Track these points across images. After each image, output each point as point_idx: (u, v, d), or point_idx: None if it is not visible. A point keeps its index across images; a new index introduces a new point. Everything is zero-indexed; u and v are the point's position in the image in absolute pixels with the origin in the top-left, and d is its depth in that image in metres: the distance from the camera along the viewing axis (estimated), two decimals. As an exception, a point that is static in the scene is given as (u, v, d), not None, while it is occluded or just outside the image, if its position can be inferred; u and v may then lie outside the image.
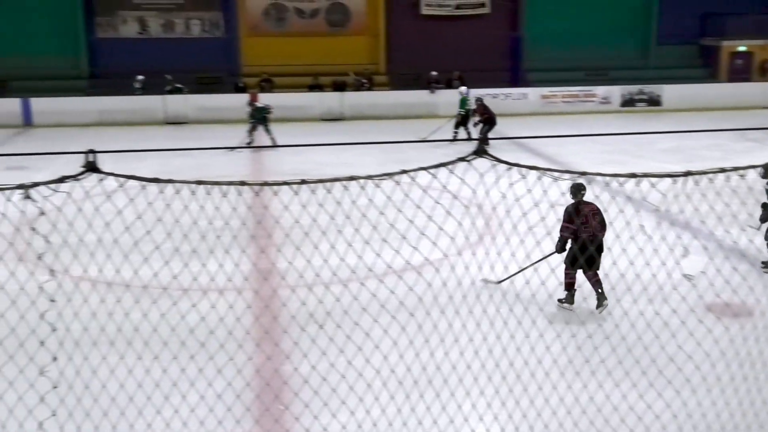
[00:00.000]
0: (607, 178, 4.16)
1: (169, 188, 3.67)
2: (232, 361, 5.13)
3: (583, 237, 6.75)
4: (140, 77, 24.06)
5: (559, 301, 7.02)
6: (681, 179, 4.16)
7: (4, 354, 4.83)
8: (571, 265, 7.03)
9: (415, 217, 4.65)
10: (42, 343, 4.40)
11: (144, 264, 4.69)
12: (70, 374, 4.85)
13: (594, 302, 6.49)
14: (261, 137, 18.86)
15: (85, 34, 26.05)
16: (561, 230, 6.99)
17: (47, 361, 4.57)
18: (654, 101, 25.84)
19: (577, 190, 7.16)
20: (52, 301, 4.65)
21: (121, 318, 4.85)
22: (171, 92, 24.24)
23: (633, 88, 26.25)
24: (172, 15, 26.93)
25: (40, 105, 23.38)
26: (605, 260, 5.15)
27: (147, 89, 24.14)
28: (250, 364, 5.58)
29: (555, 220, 4.85)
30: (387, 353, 5.28)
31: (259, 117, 19.48)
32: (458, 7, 28.23)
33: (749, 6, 28.72)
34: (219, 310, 5.10)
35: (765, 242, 7.39)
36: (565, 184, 4.15)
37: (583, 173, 4.36)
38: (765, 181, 6.79)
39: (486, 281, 5.90)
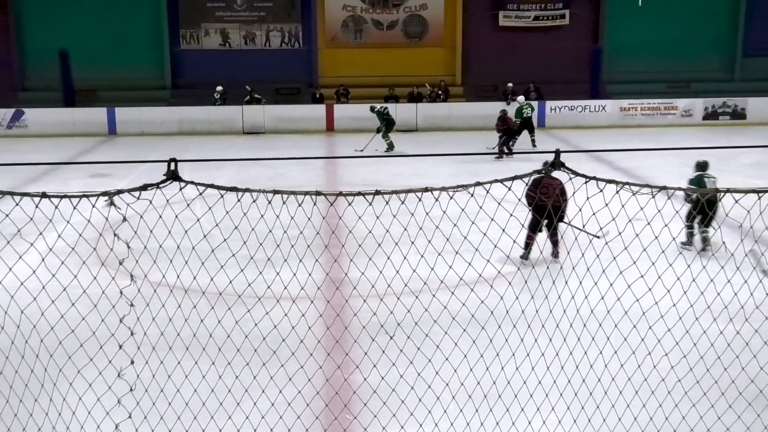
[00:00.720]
0: (689, 192, 4.05)
1: (246, 197, 3.74)
2: (302, 369, 5.19)
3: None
4: (219, 88, 24.70)
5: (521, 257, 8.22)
6: (766, 194, 4.01)
7: (84, 356, 5.01)
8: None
9: (489, 229, 4.62)
10: (120, 346, 4.55)
11: (220, 271, 4.79)
12: (146, 377, 4.99)
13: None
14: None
15: (169, 46, 26.92)
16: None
17: (125, 364, 4.72)
18: (738, 114, 25.06)
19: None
20: (132, 305, 4.81)
21: (197, 323, 4.96)
22: (249, 102, 24.80)
23: (716, 101, 25.53)
24: (254, 27, 27.59)
25: (124, 114, 24.30)
26: (685, 277, 4.99)
27: (226, 100, 24.77)
28: (320, 372, 5.62)
29: (633, 235, 4.73)
30: (457, 366, 5.25)
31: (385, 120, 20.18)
32: (536, 18, 28.01)
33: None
34: (291, 318, 5.16)
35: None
36: (643, 198, 4.05)
37: (663, 187, 4.26)
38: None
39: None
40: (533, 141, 20.52)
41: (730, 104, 25.37)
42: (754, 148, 17.20)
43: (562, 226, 8.58)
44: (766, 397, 5.41)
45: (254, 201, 3.81)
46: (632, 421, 5.25)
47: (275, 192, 3.87)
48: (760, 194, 4.02)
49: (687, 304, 5.13)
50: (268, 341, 5.44)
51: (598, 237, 5.50)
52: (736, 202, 4.23)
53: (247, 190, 3.82)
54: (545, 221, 8.51)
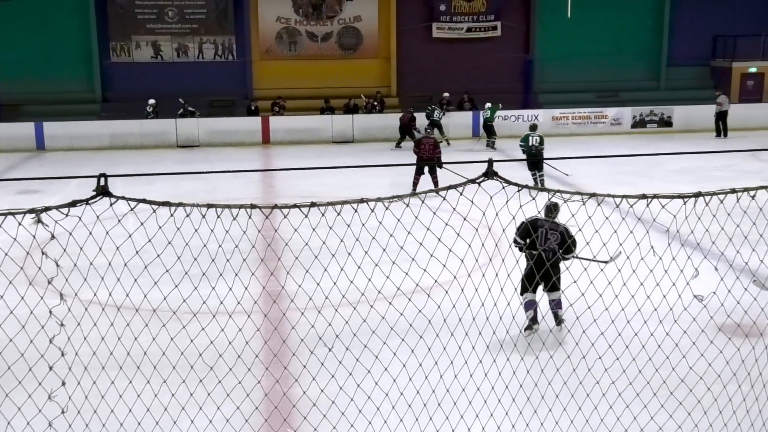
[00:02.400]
0: (618, 199, 4.16)
1: (180, 211, 3.69)
2: (240, 385, 5.13)
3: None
4: (152, 101, 24.29)
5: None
6: (691, 200, 4.15)
7: (13, 379, 4.85)
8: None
9: (425, 239, 4.65)
10: (51, 367, 4.42)
11: (154, 287, 4.70)
12: (78, 399, 4.86)
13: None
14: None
15: (99, 59, 26.35)
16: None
17: (56, 386, 4.58)
18: (665, 122, 25.85)
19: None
20: (62, 325, 4.67)
21: (130, 342, 4.86)
22: (183, 115, 24.45)
23: (644, 110, 26.29)
24: (186, 39, 27.23)
25: (53, 129, 23.63)
26: (616, 282, 5.12)
27: (159, 113, 24.36)
28: (259, 387, 5.57)
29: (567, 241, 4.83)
30: (396, 376, 5.26)
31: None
32: (469, 30, 28.40)
33: (760, 28, 28.76)
34: (228, 333, 5.10)
35: None
36: (575, 205, 4.15)
37: (593, 194, 4.36)
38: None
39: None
40: (490, 143, 23.00)
41: (657, 112, 26.16)
42: (680, 155, 17.77)
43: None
44: (696, 396, 5.57)
45: (188, 215, 3.76)
46: (569, 423, 5.34)
47: (209, 206, 3.83)
48: (686, 199, 4.15)
49: (618, 307, 5.26)
50: (204, 357, 5.36)
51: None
52: (663, 207, 4.36)
53: (180, 204, 3.77)
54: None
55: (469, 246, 4.78)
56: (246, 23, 27.19)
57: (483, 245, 5.05)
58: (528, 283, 7.14)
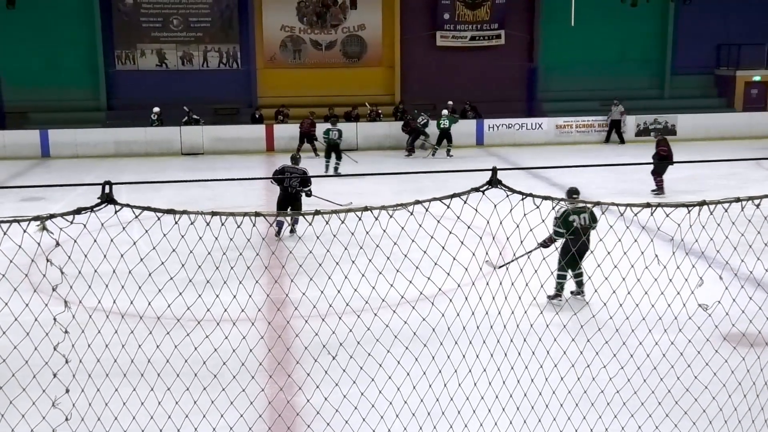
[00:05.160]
0: (622, 207, 4.16)
1: (184, 219, 3.70)
2: (244, 393, 5.12)
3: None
4: (156, 109, 24.35)
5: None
6: (696, 208, 4.15)
7: (17, 386, 4.85)
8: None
9: (429, 247, 4.65)
10: (55, 374, 4.42)
11: (158, 295, 4.71)
12: (82, 406, 4.85)
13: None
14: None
15: (104, 67, 26.44)
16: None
17: (60, 393, 4.58)
18: (669, 131, 25.79)
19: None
20: (66, 332, 4.68)
21: (134, 349, 4.86)
22: (187, 123, 24.51)
23: (648, 118, 26.28)
24: (191, 47, 27.32)
25: (58, 136, 23.71)
26: (621, 291, 5.11)
27: (164, 121, 24.43)
28: (263, 395, 5.56)
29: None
30: (400, 384, 5.25)
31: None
32: (473, 38, 28.45)
33: (764, 36, 28.77)
34: (232, 341, 5.10)
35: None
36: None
37: (597, 203, 4.36)
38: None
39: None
40: (447, 151, 23.07)
41: (661, 121, 26.14)
42: (684, 163, 17.73)
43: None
44: (701, 405, 5.55)
45: (192, 223, 3.77)
46: (573, 433, 5.33)
47: (213, 214, 3.83)
48: (690, 208, 4.15)
49: (623, 316, 5.25)
50: (208, 365, 5.36)
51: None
52: (667, 216, 4.35)
53: (184, 212, 3.77)
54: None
55: (473, 254, 4.78)
56: (250, 31, 27.27)
57: (487, 253, 5.04)
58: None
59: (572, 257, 8.00)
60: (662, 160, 16.59)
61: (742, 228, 4.83)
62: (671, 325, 5.44)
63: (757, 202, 4.19)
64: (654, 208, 4.19)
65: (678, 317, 5.42)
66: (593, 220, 8.75)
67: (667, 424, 5.38)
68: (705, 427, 5.34)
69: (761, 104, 29.10)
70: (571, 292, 9.19)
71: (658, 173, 16.83)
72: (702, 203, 4.27)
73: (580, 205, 7.05)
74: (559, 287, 9.01)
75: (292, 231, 12.08)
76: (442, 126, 23.00)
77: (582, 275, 8.99)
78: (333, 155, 19.86)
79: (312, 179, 12.56)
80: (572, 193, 9.11)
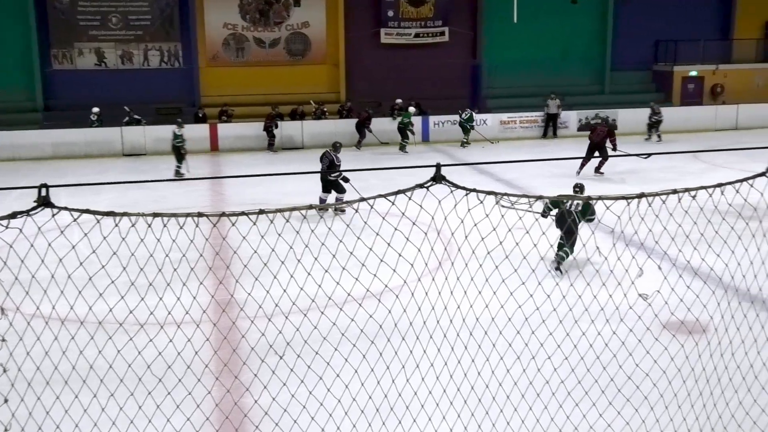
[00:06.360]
0: (565, 201, 4.22)
1: (125, 221, 3.63)
2: (191, 396, 5.05)
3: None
4: (95, 109, 23.84)
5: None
6: (635, 200, 4.24)
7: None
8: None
9: (375, 244, 4.66)
10: (-7, 383, 4.30)
11: (99, 299, 4.61)
12: (22, 415, 4.73)
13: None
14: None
15: (39, 66, 25.77)
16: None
17: (-1, 402, 4.46)
18: (610, 125, 26.28)
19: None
20: (3, 340, 4.55)
21: (76, 355, 4.75)
22: (128, 124, 24.05)
23: (589, 113, 26.78)
24: (130, 46, 26.83)
25: (-6, 139, 23.01)
26: (564, 282, 5.20)
27: (103, 121, 23.93)
28: (209, 398, 5.50)
29: (513, 244, 4.90)
30: (348, 382, 5.25)
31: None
32: (417, 35, 28.58)
33: (699, 32, 29.58)
34: (177, 344, 5.02)
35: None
36: (523, 208, 4.20)
37: (540, 197, 4.42)
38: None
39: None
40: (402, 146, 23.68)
41: (602, 116, 26.64)
42: (624, 157, 18.14)
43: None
44: (643, 393, 5.68)
45: (133, 225, 3.70)
46: (520, 423, 5.40)
47: (155, 215, 3.77)
48: (629, 200, 4.24)
49: (567, 307, 5.34)
50: (153, 369, 5.27)
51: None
52: (608, 208, 4.44)
53: (124, 214, 3.70)
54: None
55: (419, 250, 4.80)
56: (192, 30, 26.91)
57: (432, 249, 5.07)
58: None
59: (565, 240, 9.36)
60: (591, 145, 18.35)
61: (679, 219, 4.95)
62: (613, 315, 5.55)
63: (693, 193, 4.30)
64: (594, 201, 4.27)
65: (619, 307, 5.54)
66: (585, 211, 9.58)
67: (610, 412, 5.49)
68: (647, 414, 5.47)
69: (697, 98, 29.93)
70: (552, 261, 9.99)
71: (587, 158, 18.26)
72: (641, 195, 4.36)
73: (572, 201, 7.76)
74: (560, 258, 9.69)
75: (337, 212, 13.06)
76: (404, 121, 23.49)
77: (561, 251, 9.70)
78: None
79: (338, 164, 14.39)
80: (576, 187, 10.50)
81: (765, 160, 4.22)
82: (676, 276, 6.04)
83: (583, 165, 18.16)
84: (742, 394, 5.74)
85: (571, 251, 9.87)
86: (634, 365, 5.57)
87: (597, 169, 18.57)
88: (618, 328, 5.53)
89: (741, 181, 4.28)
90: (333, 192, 13.99)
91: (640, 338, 5.52)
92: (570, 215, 9.60)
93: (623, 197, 4.24)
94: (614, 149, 18.33)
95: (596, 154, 18.30)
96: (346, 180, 13.85)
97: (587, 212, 9.87)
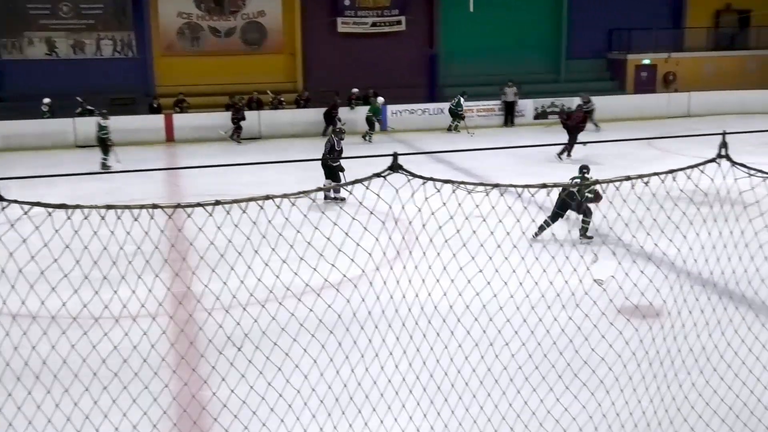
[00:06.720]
0: (520, 189, 4.25)
1: (78, 214, 3.56)
2: (147, 390, 5.00)
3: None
4: (47, 100, 23.32)
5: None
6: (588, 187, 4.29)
7: None
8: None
9: (333, 234, 4.64)
10: (-59, 381, 4.19)
11: (51, 293, 4.52)
12: (-26, 412, 4.63)
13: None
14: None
15: (-12, 57, 25.12)
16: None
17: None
18: (566, 113, 26.55)
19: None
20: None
21: (28, 351, 4.66)
22: (81, 114, 23.57)
23: (545, 101, 27.01)
24: (82, 36, 26.28)
25: (-59, 131, 22.39)
26: (520, 269, 5.24)
27: (55, 112, 23.42)
28: (166, 391, 5.44)
29: (470, 232, 4.92)
30: (307, 372, 5.24)
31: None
32: (374, 24, 28.50)
33: (653, 21, 30.01)
34: (133, 338, 4.96)
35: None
36: (478, 196, 4.22)
37: (496, 185, 4.45)
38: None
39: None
40: (367, 135, 23.87)
41: (557, 104, 26.92)
42: (579, 144, 18.36)
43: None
44: (599, 376, 5.78)
45: (86, 217, 3.63)
46: (479, 410, 5.45)
47: (108, 207, 3.71)
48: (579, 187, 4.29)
49: (523, 294, 5.40)
50: (108, 363, 5.19)
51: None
52: (563, 197, 4.49)
53: (77, 206, 3.63)
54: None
55: (377, 239, 4.80)
56: (145, 19, 26.45)
57: (390, 238, 5.07)
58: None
59: (554, 212, 9.69)
60: (567, 130, 19.15)
61: (633, 205, 5.03)
62: (569, 301, 5.63)
63: (646, 180, 4.37)
64: (550, 189, 4.31)
65: (575, 293, 5.62)
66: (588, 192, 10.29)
67: (567, 396, 5.57)
68: (602, 397, 5.56)
69: (650, 87, 30.40)
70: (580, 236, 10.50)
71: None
72: (595, 182, 4.42)
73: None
74: (540, 229, 10.13)
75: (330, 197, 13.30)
76: (371, 113, 23.79)
77: (584, 224, 10.15)
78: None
79: (339, 149, 14.55)
80: (583, 168, 10.86)
81: (716, 146, 4.30)
82: (630, 261, 6.14)
83: (565, 150, 18.95)
84: (695, 376, 5.87)
85: (589, 217, 10.02)
86: (590, 350, 5.66)
87: (559, 154, 18.95)
88: (574, 314, 5.61)
89: (692, 167, 4.36)
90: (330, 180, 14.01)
91: (595, 323, 5.60)
92: (571, 195, 9.79)
93: (577, 184, 4.29)
94: (596, 128, 20.06)
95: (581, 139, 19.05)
96: (341, 170, 13.80)
97: (589, 192, 10.20)
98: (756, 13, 30.79)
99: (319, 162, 14.31)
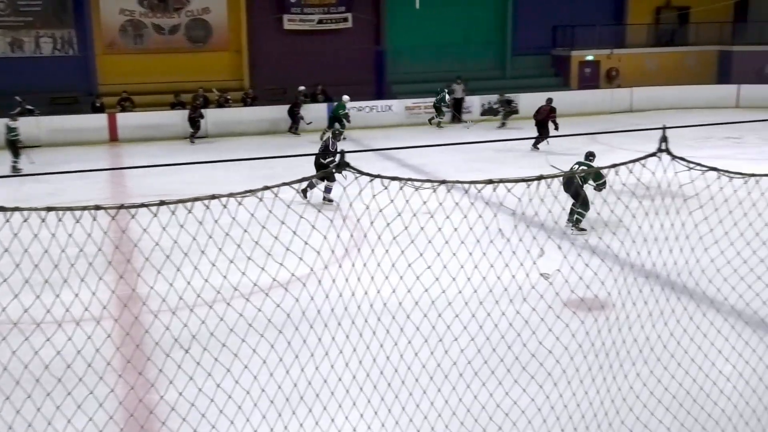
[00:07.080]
0: (466, 185, 4.28)
1: (17, 216, 3.47)
2: (92, 395, 4.90)
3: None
4: (-17, 100, 22.62)
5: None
6: (535, 183, 4.34)
7: None
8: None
9: (280, 233, 4.61)
10: None
11: (-10, 299, 4.39)
12: None
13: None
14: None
15: None
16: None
17: None
18: (512, 110, 26.86)
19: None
20: None
21: (-33, 358, 4.52)
22: (21, 114, 22.93)
23: (492, 98, 27.24)
24: (20, 33, 25.59)
25: None
26: (468, 265, 5.28)
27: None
28: (112, 396, 5.34)
29: (419, 228, 4.94)
30: (257, 372, 5.20)
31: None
32: (320, 21, 28.38)
33: (595, 18, 30.53)
34: (76, 342, 4.85)
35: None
36: (426, 193, 4.23)
37: (443, 181, 4.47)
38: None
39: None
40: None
41: (502, 99, 27.18)
42: (525, 140, 18.59)
43: None
44: (546, 369, 5.86)
45: (25, 220, 3.54)
46: (429, 406, 5.48)
47: (48, 209, 3.62)
48: (529, 183, 4.34)
49: (471, 289, 5.44)
50: (51, 369, 5.06)
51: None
52: (509, 191, 4.53)
53: (15, 209, 3.54)
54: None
55: (325, 237, 4.78)
56: (87, 16, 25.86)
57: (338, 236, 5.06)
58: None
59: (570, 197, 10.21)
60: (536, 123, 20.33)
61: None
62: (516, 295, 5.69)
63: (591, 174, 4.44)
64: (496, 184, 4.35)
65: (522, 287, 5.69)
66: (594, 178, 10.22)
67: (516, 389, 5.64)
68: (550, 390, 5.65)
69: (594, 83, 30.93)
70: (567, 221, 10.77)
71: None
72: (540, 177, 4.47)
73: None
74: (574, 218, 10.49)
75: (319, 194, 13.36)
76: (339, 112, 23.25)
77: (576, 214, 10.56)
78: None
79: (333, 150, 14.20)
80: (589, 155, 11.18)
81: (656, 140, 4.39)
82: (575, 255, 6.24)
83: (537, 142, 19.83)
84: (640, 366, 6.00)
85: (586, 209, 10.51)
86: (538, 343, 5.74)
87: (534, 145, 19.87)
88: (521, 308, 5.68)
89: (634, 161, 4.44)
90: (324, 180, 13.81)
91: (542, 317, 5.68)
92: (571, 183, 10.13)
93: (523, 180, 4.33)
94: (556, 128, 19.87)
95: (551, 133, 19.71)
96: (338, 170, 13.51)
97: (596, 179, 10.37)
98: (695, 10, 31.56)
99: (312, 162, 14.09)
